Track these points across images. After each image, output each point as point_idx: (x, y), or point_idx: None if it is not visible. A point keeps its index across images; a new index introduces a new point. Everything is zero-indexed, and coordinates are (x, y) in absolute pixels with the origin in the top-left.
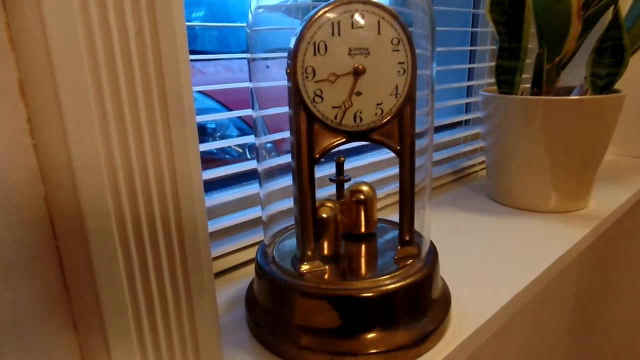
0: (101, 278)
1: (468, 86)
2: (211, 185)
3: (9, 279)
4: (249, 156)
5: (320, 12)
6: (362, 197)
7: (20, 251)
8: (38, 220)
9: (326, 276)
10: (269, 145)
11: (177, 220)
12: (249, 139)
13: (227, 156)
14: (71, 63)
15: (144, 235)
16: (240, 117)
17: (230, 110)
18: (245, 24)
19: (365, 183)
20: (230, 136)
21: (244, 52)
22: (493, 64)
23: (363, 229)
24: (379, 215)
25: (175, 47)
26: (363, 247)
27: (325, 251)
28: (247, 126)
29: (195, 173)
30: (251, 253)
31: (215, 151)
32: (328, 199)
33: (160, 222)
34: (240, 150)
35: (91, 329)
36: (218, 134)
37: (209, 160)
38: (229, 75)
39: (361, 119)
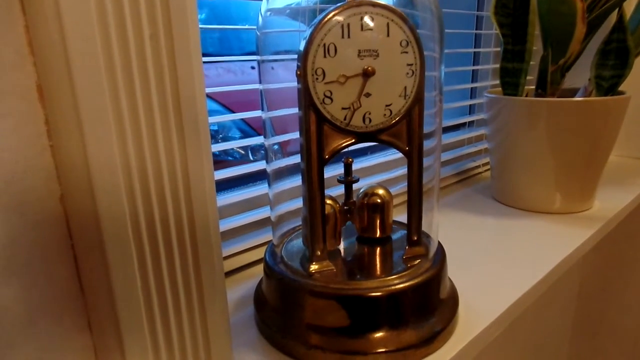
0: (116, 278)
1: (472, 88)
2: (217, 187)
3: (25, 279)
4: (251, 157)
5: (330, 15)
6: (378, 200)
7: (36, 251)
8: (54, 220)
9: (335, 276)
10: (276, 146)
11: (190, 220)
12: (255, 140)
13: (230, 158)
14: (88, 65)
15: (157, 235)
16: (242, 119)
17: (233, 112)
18: (250, 27)
19: (382, 187)
20: (233, 138)
21: (247, 54)
22: (497, 65)
23: (378, 234)
24: None
25: (189, 49)
26: (372, 247)
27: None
28: (249, 128)
29: (208, 174)
30: (260, 253)
31: (217, 153)
32: (328, 196)
33: (174, 222)
34: (243, 152)
35: (106, 329)
36: (220, 135)
37: (213, 162)
38: (230, 78)
39: (370, 120)
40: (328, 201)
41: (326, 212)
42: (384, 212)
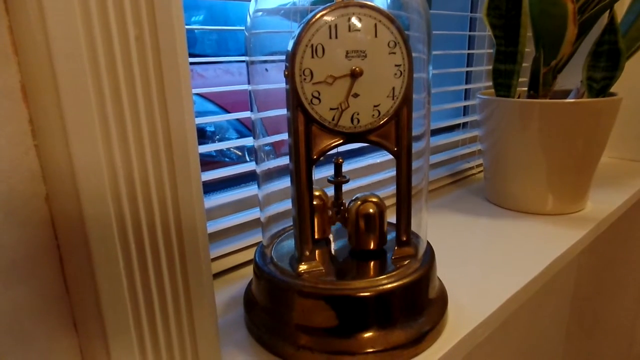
0: (101, 278)
1: (465, 89)
2: (210, 187)
3: (10, 279)
4: (248, 159)
5: (318, 15)
6: (371, 210)
7: (21, 251)
8: (39, 220)
9: (324, 276)
10: (267, 147)
11: (177, 221)
12: (247, 141)
13: (227, 159)
14: (72, 66)
15: (143, 236)
16: (239, 121)
17: (229, 112)
18: (244, 27)
19: (375, 196)
20: (230, 139)
21: (243, 55)
22: (490, 67)
23: (372, 246)
24: None
25: (175, 50)
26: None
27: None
28: (246, 129)
29: (195, 175)
30: (249, 254)
31: (214, 154)
32: (316, 188)
33: (160, 223)
34: (239, 153)
35: (91, 330)
36: (217, 136)
37: (209, 162)
38: (228, 79)
39: (358, 121)
40: (316, 193)
41: (315, 203)
42: (379, 222)
